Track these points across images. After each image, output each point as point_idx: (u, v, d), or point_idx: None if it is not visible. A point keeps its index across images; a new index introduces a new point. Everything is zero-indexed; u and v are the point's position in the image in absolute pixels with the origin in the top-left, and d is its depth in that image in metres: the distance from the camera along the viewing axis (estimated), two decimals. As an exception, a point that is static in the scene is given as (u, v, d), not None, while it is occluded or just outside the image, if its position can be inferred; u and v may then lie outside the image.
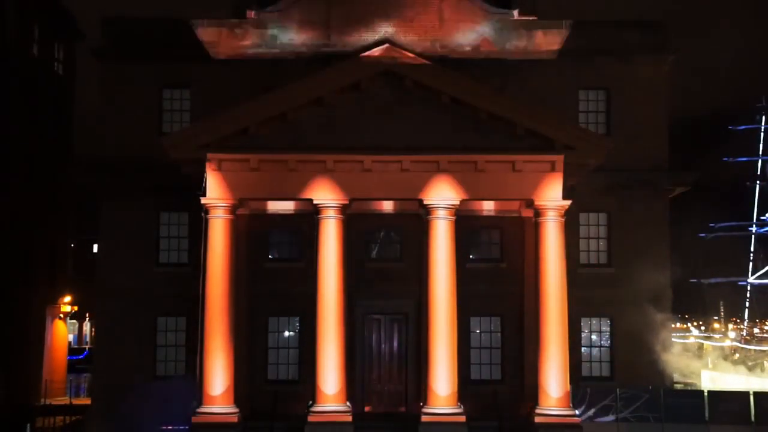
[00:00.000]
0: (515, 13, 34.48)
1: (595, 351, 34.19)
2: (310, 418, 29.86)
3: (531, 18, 34.60)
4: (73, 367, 49.53)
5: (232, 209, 30.86)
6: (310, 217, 31.53)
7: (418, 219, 31.95)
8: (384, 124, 30.66)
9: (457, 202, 30.80)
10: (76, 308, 50.11)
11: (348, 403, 30.60)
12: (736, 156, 68.01)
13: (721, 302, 77.14)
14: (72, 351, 53.89)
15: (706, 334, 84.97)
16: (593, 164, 31.44)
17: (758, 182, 68.28)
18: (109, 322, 33.76)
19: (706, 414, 31.35)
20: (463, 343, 32.06)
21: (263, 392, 32.14)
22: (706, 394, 32.52)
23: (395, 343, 33.42)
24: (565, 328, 30.63)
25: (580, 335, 33.84)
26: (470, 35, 34.07)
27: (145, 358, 33.59)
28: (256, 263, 33.25)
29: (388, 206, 33.32)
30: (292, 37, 33.98)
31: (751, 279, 68.24)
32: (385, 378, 33.32)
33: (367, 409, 32.81)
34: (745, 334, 73.85)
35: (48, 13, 46.27)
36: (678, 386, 42.00)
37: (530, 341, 31.73)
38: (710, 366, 58.12)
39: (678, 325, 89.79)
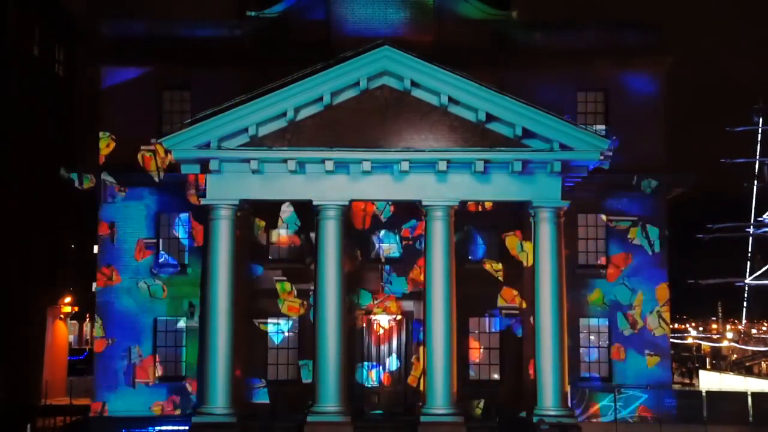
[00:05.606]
0: (514, 14, 34.59)
1: (593, 351, 34.28)
2: (310, 419, 29.93)
3: (530, 19, 34.75)
4: (73, 368, 49.40)
5: (232, 210, 30.95)
6: (310, 217, 31.65)
7: (418, 219, 32.03)
8: (384, 124, 30.76)
9: (457, 203, 30.90)
10: (76, 309, 50.05)
11: (347, 403, 30.69)
12: (733, 157, 67.95)
13: (719, 303, 77.12)
14: (72, 351, 53.76)
15: (704, 335, 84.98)
16: (592, 165, 31.56)
17: (756, 183, 68.20)
18: (109, 322, 33.79)
19: (705, 414, 31.46)
20: (462, 344, 32.18)
21: (263, 392, 32.21)
22: (704, 394, 32.63)
23: (395, 344, 33.49)
24: (564, 329, 30.77)
25: (579, 336, 33.93)
26: (469, 36, 34.15)
27: (146, 358, 33.64)
28: (256, 263, 33.31)
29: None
30: (291, 37, 34.07)
31: (748, 280, 68.19)
32: (385, 378, 33.39)
33: (366, 409, 32.89)
34: (743, 335, 73.81)
35: (48, 14, 46.25)
36: (676, 387, 42.07)
37: (529, 341, 31.86)
38: (708, 366, 58.20)
39: (676, 325, 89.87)
